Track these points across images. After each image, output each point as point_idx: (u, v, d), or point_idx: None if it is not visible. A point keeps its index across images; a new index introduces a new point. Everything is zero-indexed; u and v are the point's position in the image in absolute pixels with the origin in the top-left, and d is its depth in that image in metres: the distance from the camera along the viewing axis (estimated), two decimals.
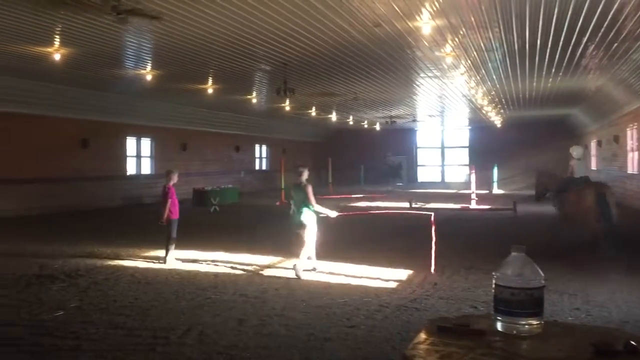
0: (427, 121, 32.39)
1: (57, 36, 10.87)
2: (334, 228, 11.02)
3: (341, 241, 11.69)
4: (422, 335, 2.16)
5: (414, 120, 30.89)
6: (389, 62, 13.74)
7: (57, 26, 10.09)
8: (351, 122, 30.95)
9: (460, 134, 37.49)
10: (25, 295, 7.47)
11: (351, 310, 6.74)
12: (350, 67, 14.39)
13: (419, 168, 38.73)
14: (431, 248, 9.03)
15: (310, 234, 8.92)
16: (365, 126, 33.36)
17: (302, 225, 8.86)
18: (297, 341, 5.58)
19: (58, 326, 6.08)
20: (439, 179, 37.73)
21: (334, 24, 10.02)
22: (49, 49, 11.77)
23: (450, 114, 29.06)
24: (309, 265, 9.03)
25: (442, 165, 38.39)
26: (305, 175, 9.04)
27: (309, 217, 8.88)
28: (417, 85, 18.21)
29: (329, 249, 10.87)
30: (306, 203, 8.84)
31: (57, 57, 12.10)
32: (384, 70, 15.07)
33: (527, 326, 2.13)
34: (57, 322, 6.26)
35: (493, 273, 2.23)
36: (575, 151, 12.72)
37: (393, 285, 8.15)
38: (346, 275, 8.79)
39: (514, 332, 2.13)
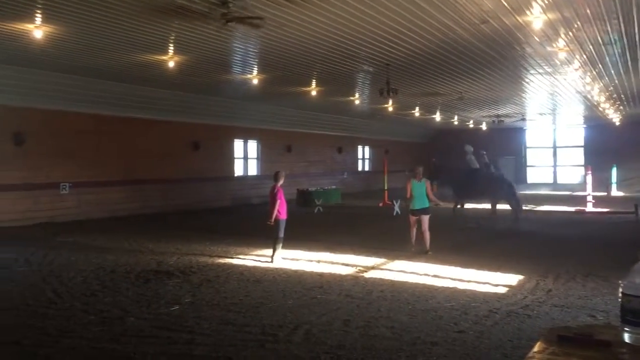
0: (538, 120, 30.97)
1: (172, 45, 11.48)
2: (437, 232, 10.86)
3: (445, 244, 11.46)
4: (541, 344, 2.05)
5: (523, 119, 29.62)
6: (496, 59, 13.27)
7: (171, 35, 10.66)
8: (456, 122, 30.22)
9: (575, 133, 35.51)
10: (144, 290, 7.95)
11: (458, 314, 6.59)
12: (455, 65, 14.05)
13: (528, 169, 37.20)
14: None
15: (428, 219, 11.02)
16: (471, 126, 32.45)
17: (426, 211, 10.95)
18: (403, 344, 5.53)
19: (174, 320, 6.41)
20: (550, 180, 35.91)
21: (438, 22, 9.83)
22: (164, 57, 12.46)
23: (562, 112, 27.57)
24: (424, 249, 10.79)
25: (554, 166, 36.55)
26: (421, 173, 11.23)
27: (427, 205, 11.04)
28: (527, 83, 17.46)
29: (433, 252, 10.73)
30: (426, 194, 11.04)
31: (171, 64, 12.80)
32: (491, 68, 14.58)
33: None
34: (173, 316, 6.61)
35: (620, 281, 2.08)
36: (468, 148, 18.02)
37: (502, 290, 7.88)
38: (452, 279, 8.60)
39: None
